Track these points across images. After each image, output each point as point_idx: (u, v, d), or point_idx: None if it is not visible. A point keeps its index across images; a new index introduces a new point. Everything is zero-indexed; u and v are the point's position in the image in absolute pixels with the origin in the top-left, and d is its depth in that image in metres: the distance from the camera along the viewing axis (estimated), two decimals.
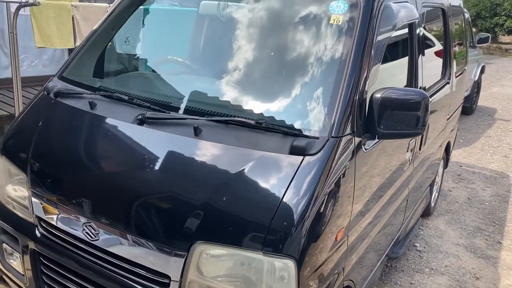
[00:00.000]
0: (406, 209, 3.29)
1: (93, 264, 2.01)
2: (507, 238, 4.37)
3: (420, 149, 3.17)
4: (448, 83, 3.88)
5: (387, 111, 1.99)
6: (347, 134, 1.88)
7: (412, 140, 2.87)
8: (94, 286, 2.04)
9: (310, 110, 1.94)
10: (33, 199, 2.18)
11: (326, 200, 1.78)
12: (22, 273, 2.33)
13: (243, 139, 1.88)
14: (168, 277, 1.81)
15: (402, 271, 3.70)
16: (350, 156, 1.92)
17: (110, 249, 1.94)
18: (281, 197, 1.68)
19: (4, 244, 2.42)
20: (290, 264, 1.64)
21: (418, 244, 4.13)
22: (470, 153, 6.90)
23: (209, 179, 1.82)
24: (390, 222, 2.88)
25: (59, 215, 2.09)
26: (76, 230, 2.03)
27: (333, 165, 1.81)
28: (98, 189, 1.99)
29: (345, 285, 2.17)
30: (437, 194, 4.81)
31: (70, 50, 5.96)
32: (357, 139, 1.97)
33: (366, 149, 2.07)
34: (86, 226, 1.98)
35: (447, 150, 4.74)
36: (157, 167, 1.92)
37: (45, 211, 2.15)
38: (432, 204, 4.66)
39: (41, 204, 2.16)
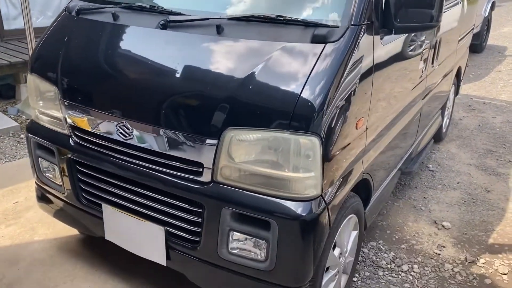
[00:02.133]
0: (420, 124, 3.38)
1: (128, 164, 2.14)
2: None
3: (433, 63, 3.22)
4: (459, 2, 3.88)
5: (402, 7, 2.05)
6: (366, 23, 1.95)
7: (425, 50, 2.92)
8: (131, 185, 2.18)
9: (329, 2, 2.00)
10: (66, 110, 2.30)
11: (347, 86, 1.88)
12: (60, 183, 2.48)
13: (265, 33, 1.95)
14: (201, 165, 1.93)
15: (416, 187, 3.84)
16: (370, 45, 2.00)
17: (144, 146, 2.06)
18: (305, 80, 1.77)
19: (40, 159, 2.56)
20: (315, 140, 1.75)
21: (430, 165, 4.25)
22: (480, 86, 6.91)
23: (235, 71, 1.91)
24: (404, 131, 2.98)
25: (93, 121, 2.20)
26: (110, 132, 2.15)
27: (354, 52, 1.88)
28: (129, 90, 2.09)
29: (364, 177, 2.30)
30: (448, 120, 4.88)
31: None
32: (376, 30, 2.04)
33: (383, 44, 2.14)
34: (119, 126, 2.09)
35: (458, 76, 4.77)
36: (184, 64, 2.01)
37: (78, 120, 2.27)
38: (444, 130, 4.75)
39: (74, 113, 2.27)
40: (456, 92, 5.02)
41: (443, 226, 3.28)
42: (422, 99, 3.24)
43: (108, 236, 2.36)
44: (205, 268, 2.10)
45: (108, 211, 2.30)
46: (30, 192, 3.53)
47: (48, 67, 2.39)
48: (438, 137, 4.62)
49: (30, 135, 2.53)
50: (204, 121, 1.89)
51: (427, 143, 3.99)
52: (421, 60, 2.89)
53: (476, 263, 2.90)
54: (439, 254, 2.97)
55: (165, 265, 2.20)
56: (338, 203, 2.01)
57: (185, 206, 2.04)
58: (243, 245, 1.95)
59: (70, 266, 2.72)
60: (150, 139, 2.03)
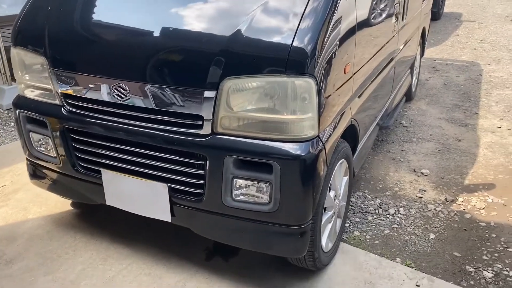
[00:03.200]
0: (394, 80, 3.55)
1: (126, 126, 2.18)
2: (482, 110, 4.74)
3: (403, 18, 3.38)
4: None
5: None
6: None
7: (396, 5, 3.07)
8: (130, 146, 2.23)
9: None
10: (56, 80, 2.30)
11: (336, 29, 1.99)
12: (54, 155, 2.50)
13: None
14: (201, 117, 2.00)
15: (393, 142, 4.03)
16: None
17: (142, 105, 2.11)
18: (298, 23, 1.85)
19: (31, 133, 2.56)
20: (311, 82, 1.85)
21: (404, 122, 4.46)
22: (442, 50, 7.21)
23: (228, 20, 1.97)
24: (382, 85, 3.13)
25: (86, 86, 2.22)
26: (105, 95, 2.18)
27: None
28: (123, 50, 2.12)
29: (352, 123, 2.43)
30: (416, 80, 5.11)
31: None
32: None
33: None
34: (115, 88, 2.13)
35: (423, 37, 4.98)
36: (178, 19, 2.05)
37: (70, 87, 2.29)
38: (413, 89, 4.97)
39: (65, 81, 2.29)
40: (422, 53, 5.23)
41: (422, 173, 3.48)
42: (395, 55, 3.40)
43: (109, 201, 2.40)
44: (210, 218, 2.19)
45: (107, 176, 2.34)
46: (15, 176, 3.50)
47: (33, 38, 2.38)
48: (408, 96, 4.83)
49: (19, 110, 2.52)
50: (201, 74, 1.95)
51: (400, 100, 4.18)
52: (393, 14, 3.03)
53: (455, 202, 3.12)
54: (421, 197, 3.17)
55: (170, 221, 2.27)
56: (332, 144, 2.13)
57: (187, 160, 2.11)
58: (246, 190, 2.04)
59: (69, 238, 2.75)
60: (148, 98, 2.08)
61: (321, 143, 1.98)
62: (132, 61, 2.10)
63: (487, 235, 2.76)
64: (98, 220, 2.92)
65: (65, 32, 2.30)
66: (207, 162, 2.04)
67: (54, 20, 2.34)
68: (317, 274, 2.41)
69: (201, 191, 2.13)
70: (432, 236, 2.76)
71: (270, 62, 1.86)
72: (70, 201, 3.12)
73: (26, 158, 2.72)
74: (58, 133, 2.39)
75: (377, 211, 3.01)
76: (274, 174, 1.94)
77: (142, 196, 2.28)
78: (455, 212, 3.00)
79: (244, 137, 1.98)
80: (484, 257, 2.58)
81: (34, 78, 2.44)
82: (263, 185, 2.00)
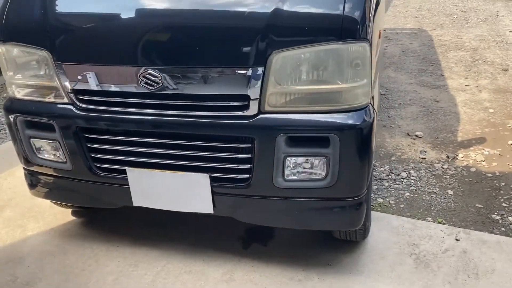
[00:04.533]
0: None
1: (158, 117, 1.99)
2: (446, 71, 4.99)
3: None
4: None
5: None
6: None
7: None
8: (162, 139, 2.04)
9: None
10: (63, 75, 2.04)
11: None
12: (63, 160, 2.24)
13: None
14: (247, 97, 1.87)
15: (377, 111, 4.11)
16: None
17: (178, 91, 1.93)
18: None
19: (32, 140, 2.27)
20: (366, 46, 1.79)
21: (380, 90, 4.57)
22: (386, 21, 7.46)
23: None
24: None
25: (103, 79, 1.99)
26: (130, 86, 1.98)
27: None
28: (152, 32, 1.90)
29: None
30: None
31: None
32: None
33: None
34: (143, 76, 1.93)
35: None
36: None
37: (82, 82, 2.04)
38: None
39: (75, 76, 2.04)
40: None
41: (416, 135, 3.59)
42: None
43: (137, 202, 2.21)
44: (258, 203, 2.08)
45: (134, 174, 2.14)
46: None
47: (29, 31, 2.08)
48: None
49: (14, 115, 2.22)
50: (246, 51, 1.81)
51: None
52: None
53: (457, 158, 3.25)
54: (424, 158, 3.27)
55: (212, 213, 2.13)
56: (376, 111, 2.10)
57: (231, 145, 1.98)
58: (299, 168, 1.96)
59: (86, 249, 2.50)
60: (185, 83, 1.91)
61: (373, 110, 1.95)
62: (165, 44, 1.90)
63: (497, 184, 2.91)
64: (109, 226, 2.70)
65: (72, 18, 2.04)
66: (255, 144, 1.93)
67: (56, 6, 2.06)
68: (359, 245, 2.40)
69: (247, 176, 2.02)
70: (450, 192, 2.85)
71: (322, 30, 1.77)
72: (70, 210, 2.85)
73: (24, 168, 2.42)
74: (68, 135, 2.14)
75: (390, 176, 3.06)
76: (332, 147, 1.87)
77: (179, 191, 2.12)
78: (461, 167, 3.13)
79: (294, 113, 1.89)
80: (504, 204, 2.71)
81: (31, 76, 2.15)
82: (319, 160, 1.93)
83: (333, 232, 2.33)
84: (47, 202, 2.94)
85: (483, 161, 3.18)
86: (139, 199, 2.21)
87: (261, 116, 1.90)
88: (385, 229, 2.51)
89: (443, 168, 3.11)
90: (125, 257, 2.43)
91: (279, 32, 1.79)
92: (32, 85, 2.17)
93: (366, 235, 2.28)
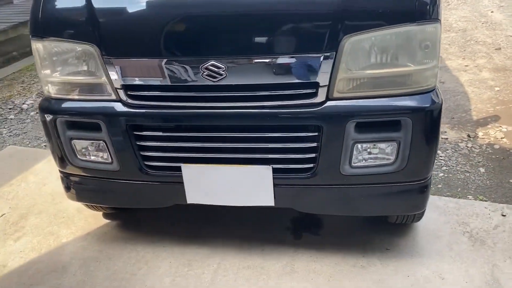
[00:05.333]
0: None
1: (219, 110, 1.91)
2: (442, 52, 5.08)
3: None
4: None
5: None
6: None
7: None
8: (221, 132, 1.97)
9: None
10: (113, 70, 1.93)
11: None
12: (109, 161, 2.13)
13: None
14: (316, 84, 1.82)
15: None
16: None
17: (243, 82, 1.85)
18: None
19: (73, 141, 2.14)
20: (438, 26, 1.75)
21: None
22: None
23: None
24: None
25: (158, 72, 1.89)
26: (189, 78, 1.88)
27: None
28: (215, 21, 1.81)
29: None
30: None
31: None
32: None
33: None
34: (204, 68, 1.84)
35: None
36: None
37: (134, 77, 1.93)
38: None
39: (126, 70, 1.92)
40: None
41: None
42: None
43: (192, 199, 2.12)
44: (321, 192, 2.04)
45: (190, 170, 2.05)
46: (9, 200, 2.96)
47: (74, 25, 1.95)
48: None
49: (53, 116, 2.08)
50: (317, 37, 1.75)
51: None
52: None
53: (478, 137, 3.32)
54: (446, 138, 3.32)
55: (273, 205, 2.08)
56: None
57: (297, 134, 1.93)
58: (368, 154, 1.94)
59: (131, 252, 2.40)
60: (251, 73, 1.84)
61: (439, 92, 1.94)
62: (231, 33, 1.81)
63: None
64: (147, 226, 2.60)
65: (124, 9, 1.91)
66: (323, 132, 1.89)
67: None
68: (412, 227, 2.42)
69: (311, 165, 1.98)
70: (482, 170, 2.91)
71: (396, 12, 1.73)
72: (101, 213, 2.73)
73: (62, 171, 2.29)
74: (116, 134, 2.03)
75: None
76: (403, 131, 1.85)
77: (239, 185, 2.05)
78: (484, 145, 3.20)
79: (362, 98, 1.86)
80: None
81: (74, 74, 2.02)
82: (388, 145, 1.91)
83: (388, 217, 2.33)
84: (73, 206, 2.81)
85: (504, 138, 3.27)
86: (194, 196, 2.13)
87: (329, 103, 1.85)
88: (431, 210, 2.53)
89: (468, 147, 3.17)
90: (175, 257, 2.34)
91: (351, 16, 1.75)
92: (75, 83, 2.04)
93: (421, 217, 2.29)
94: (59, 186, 3.02)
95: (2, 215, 2.81)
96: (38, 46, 2.02)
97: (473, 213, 2.49)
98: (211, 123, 1.97)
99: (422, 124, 1.86)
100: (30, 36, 2.06)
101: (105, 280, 2.23)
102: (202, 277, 2.20)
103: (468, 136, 3.31)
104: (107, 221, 2.68)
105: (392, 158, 1.93)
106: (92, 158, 2.16)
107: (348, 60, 1.79)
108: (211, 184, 2.08)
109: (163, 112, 1.98)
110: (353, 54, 1.78)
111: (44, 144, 3.80)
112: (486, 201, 2.61)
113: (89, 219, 2.70)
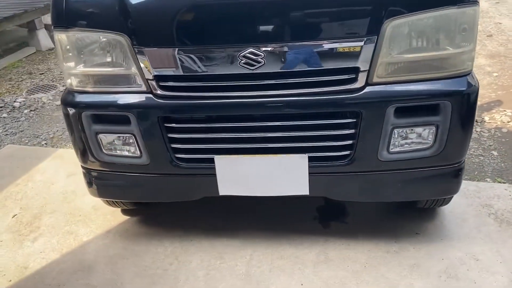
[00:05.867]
0: None
1: (256, 99, 1.86)
2: None
3: None
4: None
5: None
6: None
7: None
8: (256, 122, 1.94)
9: None
10: (146, 60, 1.86)
11: None
12: (138, 154, 2.07)
13: None
14: (356, 69, 1.81)
15: None
16: None
17: (282, 69, 1.82)
18: None
19: (99, 135, 2.07)
20: (477, 9, 1.76)
21: None
22: None
23: None
24: None
25: (194, 62, 1.83)
26: (226, 67, 1.83)
27: None
28: (257, 6, 1.74)
29: None
30: None
31: None
32: None
33: None
34: (243, 56, 1.79)
35: None
36: None
37: (169, 67, 1.86)
38: None
39: (159, 60, 1.85)
40: None
41: None
42: None
43: (224, 191, 2.08)
44: (357, 179, 2.03)
45: (224, 162, 2.01)
46: (18, 200, 2.85)
47: (102, 14, 1.88)
48: None
49: (78, 110, 2.00)
50: (359, 21, 1.74)
51: None
52: None
53: (485, 121, 3.38)
54: None
55: (308, 194, 2.06)
56: None
57: (335, 121, 1.91)
58: (405, 139, 1.94)
59: (159, 248, 2.34)
60: (290, 60, 1.81)
61: (475, 74, 1.96)
62: (270, 20, 1.77)
63: None
64: (170, 221, 2.55)
65: None
66: (362, 118, 1.87)
67: None
68: (438, 211, 2.44)
69: (347, 153, 1.97)
70: (495, 153, 2.97)
71: None
72: (119, 210, 2.66)
73: (85, 167, 2.21)
74: (147, 127, 1.97)
75: None
76: (442, 114, 1.86)
77: (274, 174, 2.02)
78: (493, 129, 3.26)
79: (401, 82, 1.86)
80: None
81: (101, 65, 1.95)
82: (426, 129, 1.92)
83: (417, 202, 2.34)
84: (88, 204, 2.74)
85: (510, 121, 3.34)
86: (226, 188, 2.09)
87: (368, 88, 1.84)
88: None
89: (477, 131, 3.23)
90: (204, 250, 2.30)
91: (394, 0, 1.74)
92: (102, 74, 1.97)
93: (449, 201, 2.31)
94: (69, 185, 2.96)
95: (14, 216, 2.71)
96: (61, 37, 1.94)
97: (494, 195, 2.53)
98: (247, 112, 1.93)
99: (460, 107, 1.87)
100: (53, 27, 1.97)
101: (135, 277, 2.18)
102: (236, 269, 2.17)
103: (476, 121, 3.37)
104: (127, 217, 2.61)
105: (430, 142, 1.93)
106: (119, 152, 2.10)
107: (389, 44, 1.78)
108: (244, 175, 2.04)
109: (197, 102, 1.93)
110: (393, 38, 1.77)
111: (45, 142, 3.68)
112: (504, 183, 2.66)
113: (108, 216, 2.63)
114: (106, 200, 2.48)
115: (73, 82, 2.02)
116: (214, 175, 2.04)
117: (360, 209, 2.51)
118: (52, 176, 3.09)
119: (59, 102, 4.64)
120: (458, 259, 2.13)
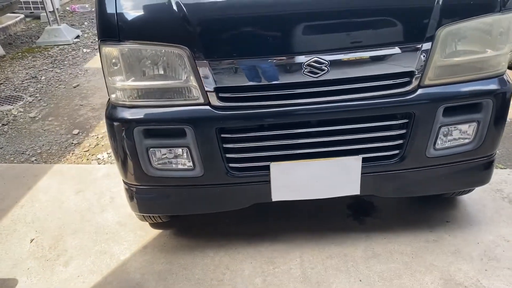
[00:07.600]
0: None
1: (317, 105, 1.91)
2: None
3: None
4: None
5: None
6: None
7: None
8: (315, 127, 1.99)
9: None
10: (207, 71, 1.84)
11: None
12: (191, 167, 2.04)
13: None
14: (411, 74, 1.91)
15: None
16: None
17: (343, 76, 1.88)
18: None
19: (151, 150, 2.01)
20: None
21: None
22: None
23: None
24: None
25: (259, 72, 1.85)
26: (290, 76, 1.86)
27: None
28: (321, 16, 1.80)
29: None
30: None
31: None
32: None
33: None
34: (308, 65, 1.83)
35: None
36: None
37: (230, 78, 1.86)
38: None
39: (220, 72, 1.84)
40: None
41: None
42: None
43: (277, 197, 2.11)
44: (405, 177, 2.14)
45: (279, 168, 2.03)
46: (31, 223, 2.68)
47: (160, 26, 1.82)
48: None
49: (128, 125, 1.93)
50: (416, 28, 1.84)
51: None
52: None
53: None
54: None
55: (358, 194, 2.15)
56: None
57: (388, 123, 2.01)
58: (450, 136, 2.09)
59: (205, 259, 2.31)
60: (351, 66, 1.87)
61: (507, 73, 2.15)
62: (334, 28, 1.83)
63: None
64: (204, 231, 2.52)
65: (219, 7, 1.83)
66: (414, 118, 1.99)
67: None
68: (459, 199, 2.64)
69: (397, 152, 2.09)
70: None
71: (485, 3, 1.89)
72: (147, 224, 2.59)
73: (128, 183, 2.14)
74: (204, 139, 1.95)
75: None
76: (484, 111, 2.03)
77: (329, 177, 2.09)
78: None
79: (448, 84, 2.00)
80: None
81: (155, 78, 1.89)
82: (469, 125, 2.08)
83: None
84: (110, 220, 2.65)
85: None
86: (279, 194, 2.12)
87: (420, 90, 1.96)
88: None
89: None
90: (253, 257, 2.32)
91: (447, 8, 1.86)
92: (155, 88, 1.92)
93: (473, 190, 2.51)
94: (81, 202, 2.83)
95: (32, 241, 2.54)
96: (110, 50, 1.86)
97: (501, 180, 2.78)
98: (307, 118, 1.97)
99: (500, 105, 2.05)
100: (99, 40, 1.88)
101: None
102: (291, 272, 2.21)
103: None
104: (159, 231, 2.55)
105: (471, 137, 2.10)
106: (171, 166, 2.06)
107: (442, 49, 1.91)
108: (298, 179, 2.09)
109: (256, 112, 1.94)
110: (446, 43, 1.91)
111: (34, 158, 3.45)
112: (505, 168, 2.93)
113: (138, 231, 2.55)
114: (141, 215, 2.41)
115: (121, 96, 1.94)
116: (267, 182, 2.07)
117: (385, 203, 2.64)
118: (58, 195, 2.93)
119: (32, 114, 4.41)
120: (492, 241, 2.33)
